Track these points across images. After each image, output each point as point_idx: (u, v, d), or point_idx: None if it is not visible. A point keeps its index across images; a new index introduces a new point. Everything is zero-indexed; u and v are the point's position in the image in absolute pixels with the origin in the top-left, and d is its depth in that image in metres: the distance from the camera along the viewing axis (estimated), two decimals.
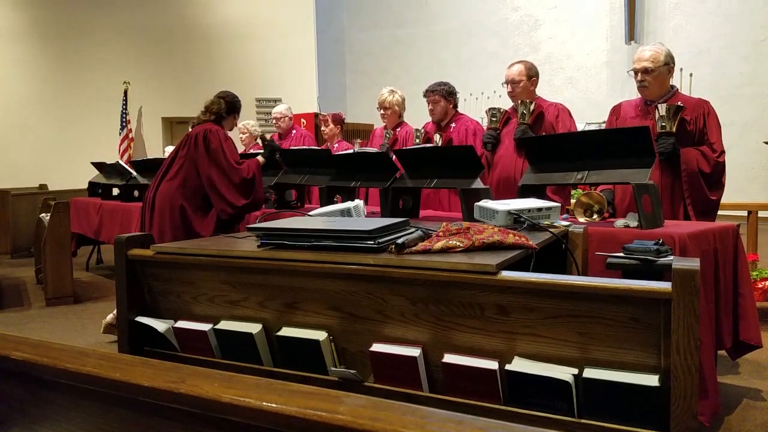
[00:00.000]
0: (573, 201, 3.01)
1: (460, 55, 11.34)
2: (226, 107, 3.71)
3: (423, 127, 4.25)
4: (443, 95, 4.01)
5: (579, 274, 1.94)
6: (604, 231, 2.33)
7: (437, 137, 4.00)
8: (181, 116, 10.40)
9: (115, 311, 3.77)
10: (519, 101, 3.44)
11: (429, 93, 4.05)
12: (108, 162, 6.29)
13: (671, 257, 1.70)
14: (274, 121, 5.80)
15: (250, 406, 0.72)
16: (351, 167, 3.28)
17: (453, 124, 4.06)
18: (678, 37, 9.44)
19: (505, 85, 3.59)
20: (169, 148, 6.88)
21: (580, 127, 3.86)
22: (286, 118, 5.73)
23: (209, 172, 3.51)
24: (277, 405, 0.70)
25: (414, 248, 1.61)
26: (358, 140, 4.94)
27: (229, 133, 3.75)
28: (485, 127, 3.81)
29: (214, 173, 3.51)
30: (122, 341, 1.91)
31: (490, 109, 3.67)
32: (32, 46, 10.44)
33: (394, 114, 4.45)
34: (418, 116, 5.01)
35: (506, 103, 3.82)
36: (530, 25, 10.92)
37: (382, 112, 4.48)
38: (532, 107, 3.39)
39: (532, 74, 3.56)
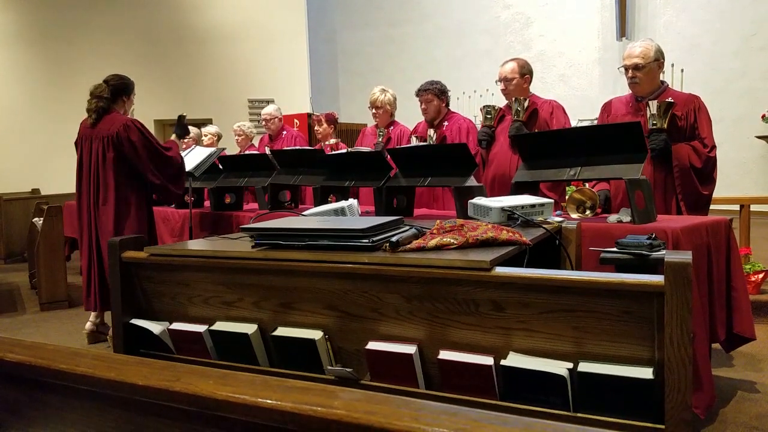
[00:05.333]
0: (567, 197, 3.02)
1: (452, 53, 11.34)
2: (111, 90, 3.75)
3: (415, 127, 4.26)
4: (436, 94, 4.01)
5: (572, 269, 1.95)
6: (597, 226, 2.34)
7: (431, 132, 4.00)
8: (173, 118, 10.35)
9: (90, 319, 3.84)
10: (513, 98, 3.45)
11: (421, 92, 4.05)
12: None
13: (664, 251, 1.71)
14: (264, 123, 5.77)
15: (246, 402, 0.72)
16: (344, 167, 3.28)
17: (446, 123, 4.06)
18: (669, 32, 9.48)
19: (499, 83, 3.60)
20: None
21: (573, 124, 3.87)
22: (276, 119, 5.70)
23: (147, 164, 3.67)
24: (273, 401, 0.70)
25: (408, 246, 1.62)
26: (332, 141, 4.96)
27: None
28: (478, 125, 3.82)
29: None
30: (117, 344, 1.91)
31: (484, 106, 3.67)
32: (23, 49, 10.38)
33: (386, 113, 4.45)
34: (412, 115, 5.01)
35: (499, 101, 3.83)
36: (522, 23, 10.94)
37: (374, 111, 4.47)
38: (526, 104, 3.40)
39: (525, 72, 3.57)
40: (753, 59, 9.01)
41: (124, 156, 3.61)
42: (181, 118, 4.10)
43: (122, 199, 3.64)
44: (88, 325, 3.85)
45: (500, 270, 1.42)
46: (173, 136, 4.04)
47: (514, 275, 1.40)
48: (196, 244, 2.01)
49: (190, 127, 6.34)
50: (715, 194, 3.01)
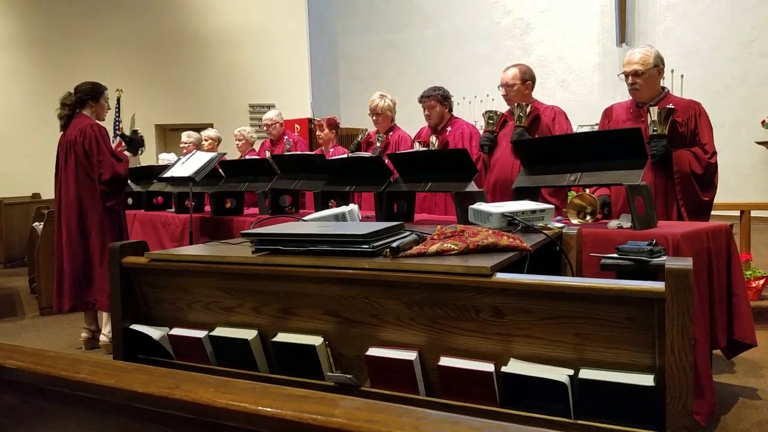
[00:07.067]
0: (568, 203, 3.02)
1: (452, 59, 11.36)
2: (77, 97, 3.89)
3: (418, 133, 4.27)
4: (438, 100, 4.02)
5: (573, 276, 1.95)
6: (597, 232, 2.34)
7: (434, 139, 4.01)
8: (175, 123, 10.37)
9: (84, 326, 3.86)
10: (515, 104, 3.46)
11: (424, 98, 4.06)
12: None
13: (664, 257, 1.71)
14: (265, 128, 5.78)
15: (246, 410, 0.71)
16: (345, 172, 3.28)
17: (449, 128, 4.07)
18: (668, 38, 9.50)
19: (501, 89, 3.61)
20: (163, 156, 6.87)
21: (574, 129, 3.87)
22: (277, 125, 5.72)
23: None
24: (273, 409, 0.70)
25: (409, 252, 1.61)
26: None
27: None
28: (481, 131, 3.83)
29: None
30: (117, 350, 1.90)
31: (486, 111, 3.68)
32: (24, 54, 10.41)
33: (385, 119, 4.47)
34: (412, 120, 5.01)
35: (500, 107, 3.84)
36: (522, 28, 10.97)
37: (374, 117, 4.49)
38: (528, 110, 3.41)
39: (527, 77, 3.58)
40: (752, 65, 9.03)
41: (80, 158, 3.72)
42: (134, 132, 4.24)
43: (84, 199, 3.74)
44: (84, 333, 3.86)
45: (501, 276, 1.42)
46: (126, 152, 4.15)
47: (514, 281, 1.39)
48: (197, 250, 2.00)
49: (190, 132, 6.37)
50: (716, 200, 3.01)
